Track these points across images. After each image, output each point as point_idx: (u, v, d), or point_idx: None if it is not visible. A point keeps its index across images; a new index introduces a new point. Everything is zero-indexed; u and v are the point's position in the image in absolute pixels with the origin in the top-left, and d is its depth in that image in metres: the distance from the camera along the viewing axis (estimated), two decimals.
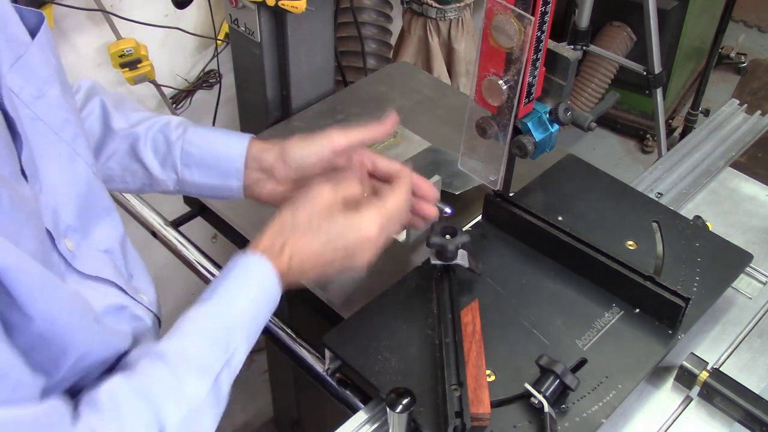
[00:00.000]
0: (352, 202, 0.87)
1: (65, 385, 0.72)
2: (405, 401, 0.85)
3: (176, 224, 1.29)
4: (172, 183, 0.97)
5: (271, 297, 0.82)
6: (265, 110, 1.49)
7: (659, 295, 0.97)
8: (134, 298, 0.83)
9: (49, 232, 0.73)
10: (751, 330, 1.05)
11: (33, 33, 0.77)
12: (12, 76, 0.73)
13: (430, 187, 0.98)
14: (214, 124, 1.93)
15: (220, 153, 0.96)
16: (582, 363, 0.94)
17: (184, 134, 0.96)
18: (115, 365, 0.78)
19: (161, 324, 0.89)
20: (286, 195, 0.96)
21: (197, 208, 1.32)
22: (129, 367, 0.74)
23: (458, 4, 2.04)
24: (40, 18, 0.78)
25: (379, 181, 0.97)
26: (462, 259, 1.01)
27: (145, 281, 0.90)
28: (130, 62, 1.63)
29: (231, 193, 0.97)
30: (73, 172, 0.79)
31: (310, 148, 0.94)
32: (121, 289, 0.81)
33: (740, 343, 1.03)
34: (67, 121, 0.79)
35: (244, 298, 0.81)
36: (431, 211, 0.98)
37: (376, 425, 0.94)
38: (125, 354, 0.80)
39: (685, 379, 0.96)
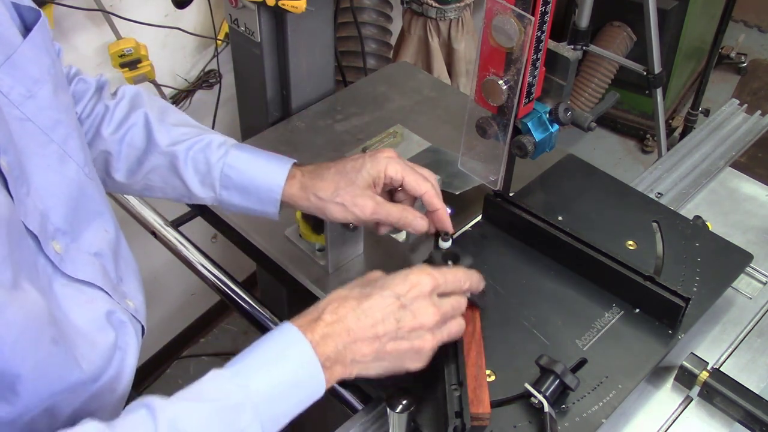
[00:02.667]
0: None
1: (36, 412, 0.69)
2: (405, 401, 0.85)
3: (176, 224, 1.29)
4: (210, 200, 1.00)
5: (303, 380, 0.74)
6: (265, 110, 1.49)
7: (659, 295, 0.97)
8: (119, 304, 0.82)
9: (35, 236, 0.71)
10: (751, 330, 1.05)
11: (30, 29, 0.76)
12: (0, 76, 0.72)
13: (444, 221, 0.97)
14: (214, 123, 1.93)
15: (259, 183, 0.97)
16: (582, 363, 0.94)
17: (225, 156, 0.97)
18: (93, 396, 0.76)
19: (144, 333, 0.87)
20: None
21: (197, 208, 1.32)
22: (124, 413, 0.68)
23: (458, 4, 2.04)
24: (36, 15, 0.77)
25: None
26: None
27: (134, 287, 0.88)
28: (130, 62, 1.63)
29: (268, 216, 1.00)
30: (63, 174, 0.78)
31: (345, 216, 0.95)
32: (107, 293, 0.80)
33: (740, 343, 1.03)
34: (58, 121, 0.78)
35: (268, 374, 0.72)
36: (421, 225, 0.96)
37: (375, 425, 0.94)
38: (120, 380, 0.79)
39: (685, 379, 0.96)
